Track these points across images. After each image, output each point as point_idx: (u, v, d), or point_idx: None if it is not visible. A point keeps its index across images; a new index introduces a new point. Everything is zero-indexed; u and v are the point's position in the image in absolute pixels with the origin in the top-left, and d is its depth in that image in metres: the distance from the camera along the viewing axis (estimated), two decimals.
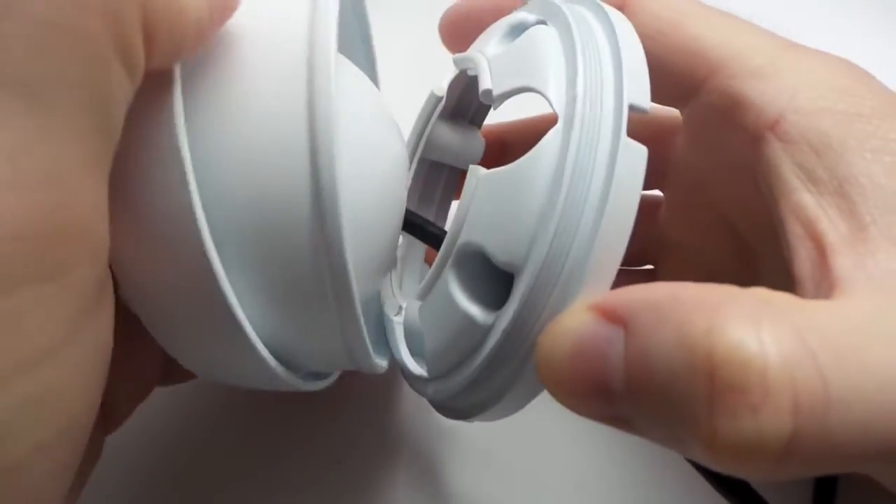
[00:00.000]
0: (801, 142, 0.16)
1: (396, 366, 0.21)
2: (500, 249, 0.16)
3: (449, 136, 0.25)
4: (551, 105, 0.16)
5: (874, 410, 0.11)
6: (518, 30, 0.19)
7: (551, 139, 0.16)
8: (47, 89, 0.11)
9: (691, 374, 0.11)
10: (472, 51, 0.20)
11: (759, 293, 0.13)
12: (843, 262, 0.14)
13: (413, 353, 0.21)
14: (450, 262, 0.17)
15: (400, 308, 0.22)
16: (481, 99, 0.18)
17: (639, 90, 0.16)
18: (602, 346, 0.13)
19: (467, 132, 0.25)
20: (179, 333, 0.16)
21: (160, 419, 0.25)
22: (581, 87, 0.16)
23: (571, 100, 0.16)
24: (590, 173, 0.15)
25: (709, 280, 0.13)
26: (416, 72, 0.24)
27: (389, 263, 0.22)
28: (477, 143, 0.25)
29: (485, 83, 0.18)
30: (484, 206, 0.16)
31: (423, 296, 0.19)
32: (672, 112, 0.22)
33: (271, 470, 0.25)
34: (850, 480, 0.22)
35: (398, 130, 0.20)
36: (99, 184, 0.13)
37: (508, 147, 0.26)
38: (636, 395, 0.12)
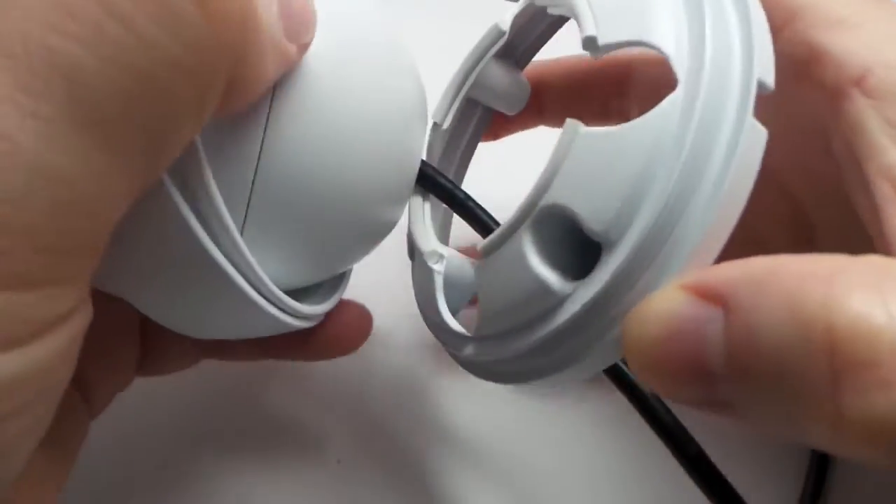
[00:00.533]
0: (892, 98, 0.15)
1: (427, 315, 0.20)
2: (593, 216, 0.14)
3: (499, 75, 0.23)
4: (673, 68, 0.15)
5: None
6: None
7: (669, 108, 0.14)
8: (118, 129, 0.11)
9: (808, 351, 0.10)
10: None
11: (876, 261, 0.11)
12: None
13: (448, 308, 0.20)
14: (528, 221, 0.16)
15: (440, 256, 0.20)
16: (583, 47, 0.16)
17: (766, 65, 0.15)
18: (700, 327, 0.12)
19: (515, 73, 0.23)
20: (159, 286, 0.16)
21: (157, 414, 0.25)
22: (709, 53, 0.14)
23: (697, 67, 0.14)
24: (708, 151, 0.14)
25: (760, 253, 0.12)
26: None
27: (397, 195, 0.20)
28: (524, 85, 0.23)
29: (588, 28, 0.16)
30: (580, 168, 0.15)
31: (488, 252, 0.17)
32: None
33: (271, 469, 0.24)
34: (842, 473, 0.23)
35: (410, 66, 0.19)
36: (122, 211, 0.12)
37: (545, 89, 0.24)
38: (741, 375, 0.11)
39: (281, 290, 0.18)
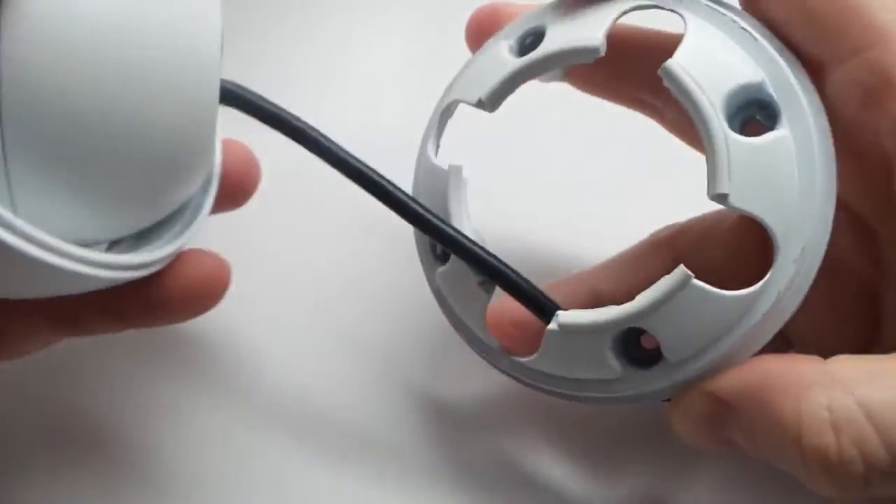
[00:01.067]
0: None
1: None
2: (674, 349, 0.18)
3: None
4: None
5: None
6: None
7: (764, 287, 0.17)
8: None
9: (785, 444, 0.15)
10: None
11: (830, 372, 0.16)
12: None
13: None
14: (614, 332, 0.18)
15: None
16: (709, 196, 0.17)
17: None
18: (719, 421, 0.17)
19: None
20: None
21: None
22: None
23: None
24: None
25: (834, 272, 0.18)
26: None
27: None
28: None
29: (721, 185, 0.17)
30: (679, 311, 0.17)
31: (566, 332, 0.19)
32: None
33: (276, 465, 0.24)
34: None
35: None
36: None
37: (629, 51, 0.22)
38: (748, 447, 0.17)
39: (95, 238, 0.16)
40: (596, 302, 0.19)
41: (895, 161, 0.17)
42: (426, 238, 0.21)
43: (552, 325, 0.19)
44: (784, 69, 0.18)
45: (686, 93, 0.17)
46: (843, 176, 0.18)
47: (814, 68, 0.18)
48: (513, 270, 0.19)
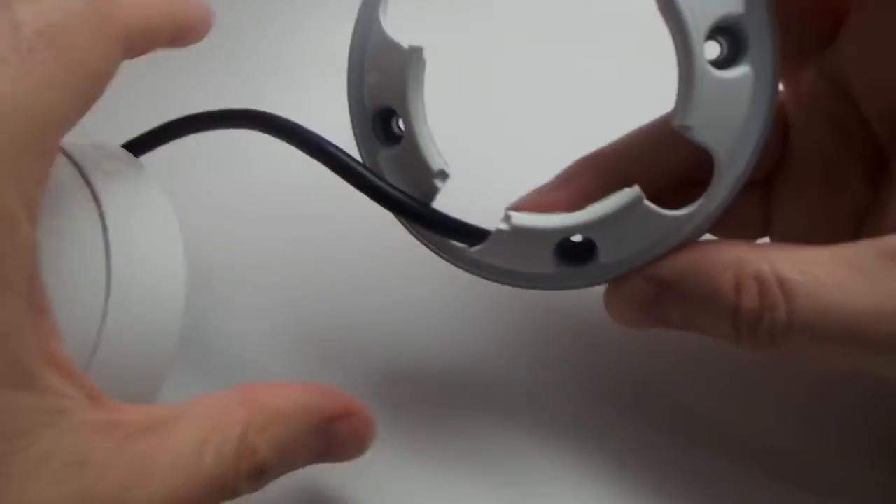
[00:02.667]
0: None
1: None
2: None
3: None
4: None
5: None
6: None
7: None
8: None
9: (721, 315, 0.18)
10: None
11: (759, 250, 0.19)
12: None
13: None
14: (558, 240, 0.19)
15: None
16: (673, 124, 0.18)
17: None
18: (658, 301, 0.19)
19: None
20: None
21: None
22: None
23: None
24: None
25: (835, 189, 0.21)
26: None
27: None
28: None
29: (689, 118, 0.18)
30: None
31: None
32: None
33: None
34: None
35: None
36: None
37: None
38: (685, 323, 0.19)
39: None
40: (624, 184, 0.19)
41: None
42: (367, 116, 0.21)
43: (503, 225, 0.20)
44: (760, 4, 0.18)
45: (676, 14, 0.17)
46: (869, 91, 0.19)
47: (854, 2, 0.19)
48: (426, 206, 0.20)
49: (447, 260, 0.21)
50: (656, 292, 0.19)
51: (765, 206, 0.22)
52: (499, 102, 0.29)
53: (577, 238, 0.20)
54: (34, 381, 0.15)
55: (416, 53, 0.19)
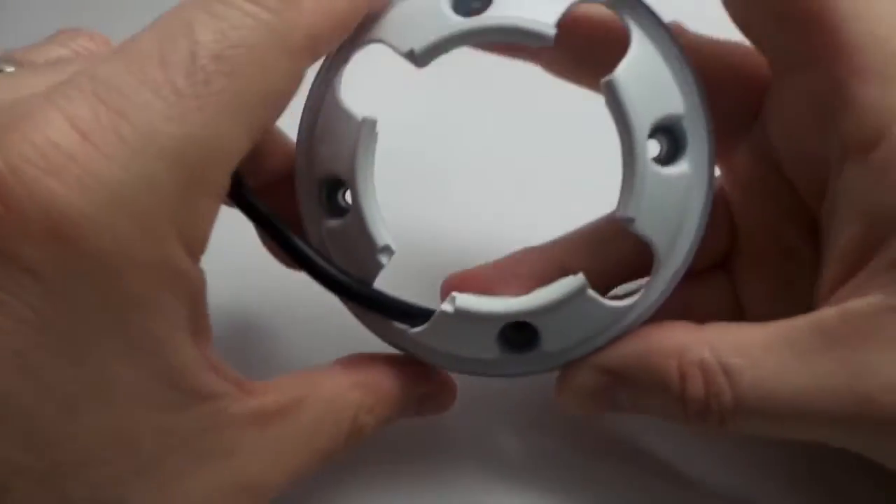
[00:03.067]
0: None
1: None
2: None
3: None
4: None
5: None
6: None
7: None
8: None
9: (670, 402, 0.19)
10: None
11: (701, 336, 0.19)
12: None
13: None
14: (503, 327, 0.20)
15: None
16: (616, 216, 0.19)
17: None
18: (607, 389, 0.20)
19: None
20: None
21: None
22: None
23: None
24: None
25: (790, 262, 0.21)
26: None
27: None
28: None
29: (631, 210, 0.18)
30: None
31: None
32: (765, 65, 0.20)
33: None
34: None
35: None
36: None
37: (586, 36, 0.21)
38: (632, 406, 0.20)
39: None
40: (563, 276, 0.19)
41: (833, 171, 0.18)
42: (314, 183, 0.20)
43: (446, 307, 0.19)
44: (698, 103, 0.19)
45: (623, 115, 0.18)
46: (800, 175, 0.20)
47: (775, 69, 0.20)
48: (368, 286, 0.20)
49: (385, 340, 0.21)
50: (607, 382, 0.20)
51: (731, 288, 0.23)
52: (453, 179, 0.29)
53: (520, 322, 0.19)
54: (202, 391, 0.16)
55: (368, 124, 0.18)
